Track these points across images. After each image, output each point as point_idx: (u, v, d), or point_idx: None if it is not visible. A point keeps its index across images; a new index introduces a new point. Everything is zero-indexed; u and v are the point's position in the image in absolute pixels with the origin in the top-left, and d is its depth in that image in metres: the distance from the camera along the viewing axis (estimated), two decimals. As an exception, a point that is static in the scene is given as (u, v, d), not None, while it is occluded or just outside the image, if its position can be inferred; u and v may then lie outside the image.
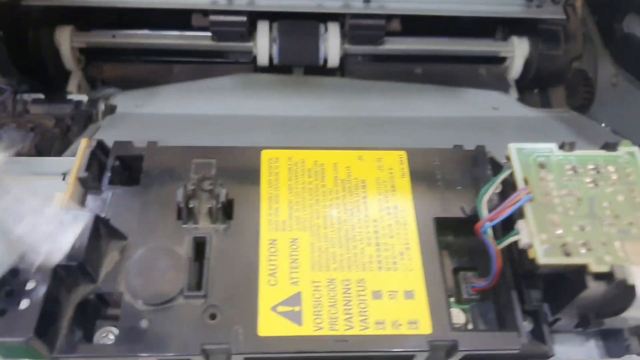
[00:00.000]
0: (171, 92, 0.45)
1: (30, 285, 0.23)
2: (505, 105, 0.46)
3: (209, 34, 0.46)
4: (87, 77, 0.48)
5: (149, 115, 0.42)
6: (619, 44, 0.44)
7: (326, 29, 0.46)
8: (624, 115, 0.41)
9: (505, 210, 0.25)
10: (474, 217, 0.28)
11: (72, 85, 0.47)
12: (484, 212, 0.27)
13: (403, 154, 0.30)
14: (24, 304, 0.23)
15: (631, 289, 0.23)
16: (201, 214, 0.28)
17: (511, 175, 0.27)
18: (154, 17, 0.45)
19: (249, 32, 0.45)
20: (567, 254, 0.24)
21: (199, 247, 0.27)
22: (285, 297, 0.26)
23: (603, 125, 0.44)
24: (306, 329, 0.25)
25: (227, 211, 0.28)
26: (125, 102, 0.44)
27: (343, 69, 0.49)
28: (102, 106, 0.42)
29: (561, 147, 0.27)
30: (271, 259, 0.27)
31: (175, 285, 0.25)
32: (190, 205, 0.27)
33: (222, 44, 0.46)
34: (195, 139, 0.32)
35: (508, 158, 0.27)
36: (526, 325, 0.27)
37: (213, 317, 0.25)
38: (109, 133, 0.38)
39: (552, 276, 0.26)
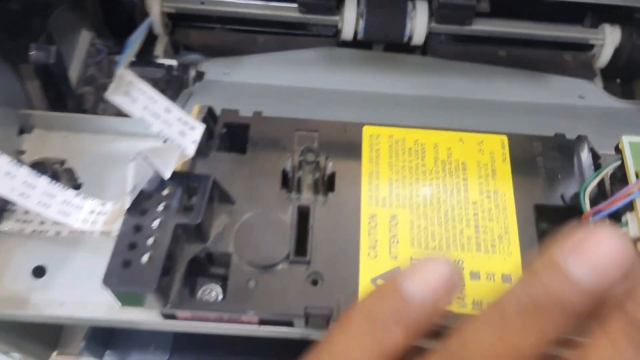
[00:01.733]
0: (257, 62, 0.46)
1: (151, 240, 0.24)
2: (591, 94, 0.45)
3: (295, 5, 0.46)
4: (172, 42, 0.49)
5: (237, 84, 0.43)
6: None
7: (414, 6, 0.45)
8: None
9: (616, 203, 0.25)
10: (574, 207, 0.28)
11: (158, 49, 0.48)
12: (586, 202, 0.27)
13: (504, 138, 0.30)
14: (145, 257, 0.24)
15: None
16: (305, 185, 0.28)
17: (620, 168, 0.27)
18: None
19: (337, 6, 0.45)
20: (679, 251, 0.24)
21: (303, 216, 0.28)
22: (385, 270, 0.26)
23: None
24: (405, 303, 0.26)
25: (329, 184, 0.29)
26: (213, 69, 0.45)
27: (425, 48, 0.48)
28: (192, 72, 0.43)
29: (676, 140, 0.26)
30: (371, 232, 0.27)
31: (281, 250, 0.26)
32: (298, 176, 0.28)
33: (309, 16, 0.46)
34: (283, 110, 0.32)
35: (620, 150, 0.27)
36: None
37: (315, 283, 0.26)
38: (202, 100, 0.39)
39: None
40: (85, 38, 0.42)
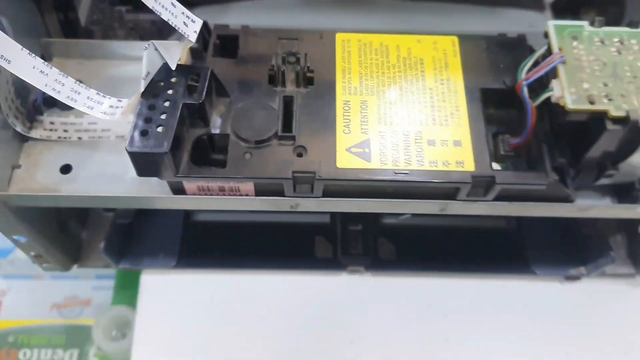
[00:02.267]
0: (240, 8, 0.51)
1: (163, 116, 0.30)
2: (540, 23, 0.51)
3: (274, -43, 0.51)
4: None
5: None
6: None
7: (379, -47, 0.51)
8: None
9: (542, 69, 0.31)
10: (513, 88, 0.33)
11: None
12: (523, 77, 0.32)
13: (455, 38, 0.36)
14: (160, 129, 0.30)
15: (642, 130, 0.29)
16: (288, 80, 0.34)
17: (548, 50, 0.32)
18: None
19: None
20: (592, 102, 0.29)
21: (288, 103, 0.33)
22: (357, 142, 0.32)
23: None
24: (374, 164, 0.31)
25: (308, 79, 0.34)
26: (201, 15, 0.49)
27: (394, -8, 0.54)
28: (185, 15, 0.48)
29: (591, 23, 0.32)
30: (345, 115, 0.33)
31: (271, 129, 0.32)
32: (282, 70, 0.33)
33: (285, -34, 0.51)
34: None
35: (546, 34, 0.32)
36: (553, 175, 0.33)
37: (300, 155, 0.32)
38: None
39: (577, 127, 0.31)
40: (89, -11, 0.47)
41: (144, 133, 0.29)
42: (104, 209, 0.46)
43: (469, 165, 0.31)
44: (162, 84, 0.31)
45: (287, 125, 0.32)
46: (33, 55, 0.30)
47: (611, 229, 0.48)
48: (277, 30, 0.36)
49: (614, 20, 0.51)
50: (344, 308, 0.45)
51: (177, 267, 0.45)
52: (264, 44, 0.35)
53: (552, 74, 0.31)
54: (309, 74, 0.34)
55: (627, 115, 0.29)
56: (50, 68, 0.31)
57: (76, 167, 0.35)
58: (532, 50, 0.36)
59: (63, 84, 0.31)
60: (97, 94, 0.32)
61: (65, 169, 0.35)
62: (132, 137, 0.29)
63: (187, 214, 0.47)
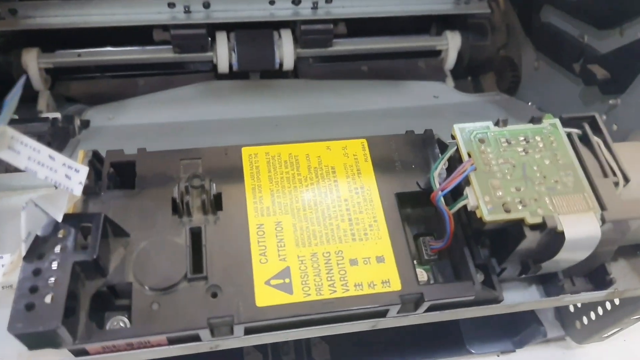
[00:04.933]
0: (139, 104, 0.48)
1: (51, 281, 0.26)
2: (444, 93, 0.52)
3: (170, 47, 0.49)
4: (54, 95, 0.50)
5: (122, 127, 0.45)
6: (537, 32, 0.51)
7: (280, 36, 0.50)
8: (546, 94, 0.47)
9: (455, 180, 0.30)
10: (428, 190, 0.33)
11: (41, 104, 0.49)
12: (436, 184, 0.32)
13: (364, 141, 0.35)
14: (48, 298, 0.26)
15: (561, 234, 0.29)
16: (194, 208, 0.31)
17: (457, 151, 0.32)
18: (117, 34, 0.48)
19: (209, 43, 0.49)
20: (507, 211, 0.29)
21: (195, 236, 0.30)
22: (276, 272, 0.30)
23: (529, 104, 0.50)
24: (297, 297, 0.29)
25: (216, 203, 0.32)
26: (97, 116, 0.46)
27: (296, 71, 0.53)
28: (77, 121, 0.44)
29: (496, 124, 0.32)
30: (260, 240, 0.31)
31: (179, 270, 0.29)
32: (186, 200, 0.30)
33: (184, 55, 0.49)
34: (170, 146, 0.35)
35: (453, 137, 0.32)
36: (478, 277, 0.32)
37: (215, 295, 0.29)
38: (89, 147, 0.41)
39: (496, 231, 0.31)
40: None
41: (29, 307, 0.25)
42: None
43: (395, 284, 0.30)
44: (48, 241, 0.27)
45: (197, 263, 0.29)
46: None
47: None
48: (177, 151, 0.33)
49: (513, 84, 0.52)
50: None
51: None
52: (164, 167, 0.33)
53: (465, 181, 0.30)
54: (216, 198, 0.31)
55: (543, 221, 0.29)
56: None
57: (-44, 331, 0.30)
58: (440, 143, 0.36)
59: None
60: (-28, 254, 0.28)
61: (-57, 336, 0.30)
62: (15, 315, 0.25)
63: None
